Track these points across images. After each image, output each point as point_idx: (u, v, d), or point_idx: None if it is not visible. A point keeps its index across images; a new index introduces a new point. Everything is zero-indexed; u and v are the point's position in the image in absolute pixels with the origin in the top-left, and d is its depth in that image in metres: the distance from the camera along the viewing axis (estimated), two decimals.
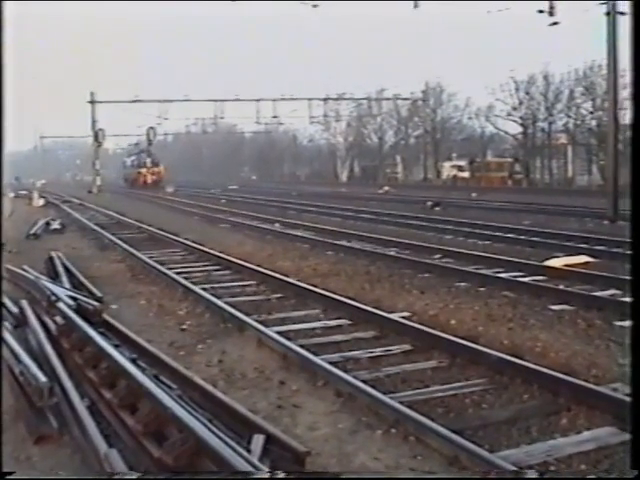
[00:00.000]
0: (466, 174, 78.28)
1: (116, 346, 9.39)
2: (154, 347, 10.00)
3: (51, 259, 18.41)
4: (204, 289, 15.13)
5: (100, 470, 6.01)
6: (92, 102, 78.91)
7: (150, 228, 29.10)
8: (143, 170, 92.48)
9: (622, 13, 29.93)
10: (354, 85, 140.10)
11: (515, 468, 6.25)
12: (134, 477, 5.70)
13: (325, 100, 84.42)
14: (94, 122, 79.36)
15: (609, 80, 32.08)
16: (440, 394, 8.50)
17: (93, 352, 8.99)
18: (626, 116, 60.58)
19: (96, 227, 30.47)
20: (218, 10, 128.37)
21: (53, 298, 11.86)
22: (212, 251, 21.05)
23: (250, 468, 5.29)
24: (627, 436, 7.05)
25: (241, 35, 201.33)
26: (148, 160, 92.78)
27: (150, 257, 20.27)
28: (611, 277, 15.31)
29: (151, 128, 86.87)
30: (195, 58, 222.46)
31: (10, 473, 5.91)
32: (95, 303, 12.03)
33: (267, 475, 5.19)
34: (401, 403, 7.86)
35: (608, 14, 30.04)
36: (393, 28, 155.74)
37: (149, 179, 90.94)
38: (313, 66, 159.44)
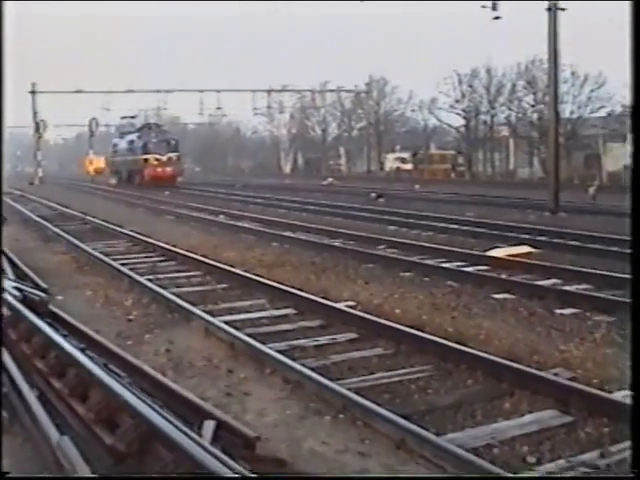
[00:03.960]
0: (409, 166, 78.79)
1: (64, 336, 9.39)
2: (102, 337, 10.01)
3: None
4: (150, 280, 15.13)
5: (53, 458, 6.04)
6: (33, 92, 77.93)
7: (94, 220, 28.92)
8: (152, 158, 62.61)
9: (562, 9, 30.37)
10: (298, 77, 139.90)
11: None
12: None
13: (269, 92, 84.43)
14: (35, 113, 78.37)
15: (550, 74, 32.49)
16: (386, 380, 8.67)
17: (41, 342, 8.98)
18: (566, 110, 61.75)
19: (39, 219, 30.16)
20: (164, 4, 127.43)
21: None
22: (157, 242, 21.04)
23: (202, 452, 5.37)
24: (568, 418, 7.31)
25: (185, 27, 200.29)
26: (159, 141, 64.08)
27: (95, 249, 20.18)
28: (552, 267, 15.64)
29: (93, 119, 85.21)
30: (139, 49, 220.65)
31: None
32: (41, 294, 11.98)
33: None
34: (348, 389, 7.99)
35: (549, 10, 30.42)
36: (337, 20, 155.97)
37: (163, 172, 62.01)
38: (257, 58, 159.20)
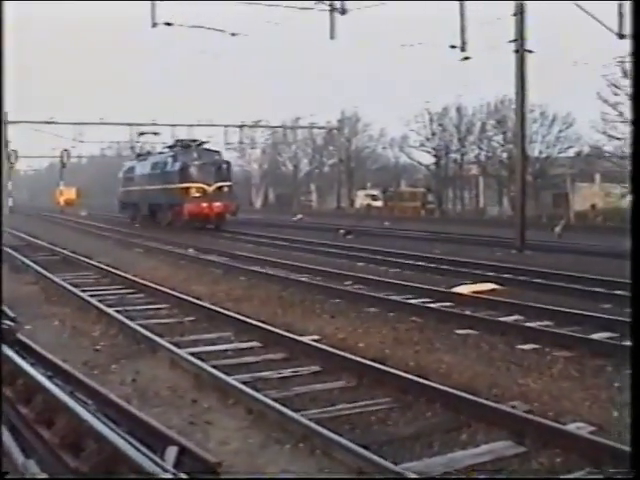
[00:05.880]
0: (379, 203, 79.19)
1: (31, 364, 9.51)
2: (68, 366, 10.14)
3: None
4: (118, 311, 15.25)
5: None
6: (4, 122, 77.57)
7: (64, 251, 28.96)
8: (194, 187, 45.09)
9: (530, 51, 30.85)
10: (270, 113, 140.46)
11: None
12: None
13: (241, 127, 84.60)
14: (6, 143, 77.93)
15: (517, 114, 32.94)
16: (347, 412, 8.86)
17: (8, 370, 9.10)
18: (535, 149, 62.51)
19: (7, 249, 30.10)
20: (134, 35, 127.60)
21: None
22: (126, 275, 21.15)
23: (165, 475, 5.54)
24: (522, 449, 7.52)
25: (157, 61, 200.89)
26: (205, 164, 46.22)
27: (64, 279, 20.27)
28: (515, 303, 15.88)
29: (65, 150, 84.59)
30: (112, 82, 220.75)
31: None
32: (9, 323, 12.07)
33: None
34: (309, 420, 8.18)
35: (517, 51, 30.87)
36: (310, 57, 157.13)
37: (209, 209, 44.53)
38: (229, 93, 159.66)
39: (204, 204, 44.32)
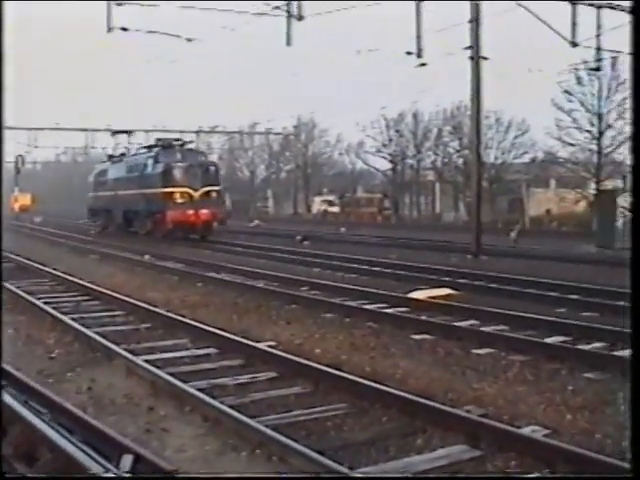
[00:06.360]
0: (336, 209, 79.26)
1: None
2: (22, 375, 10.06)
3: None
4: (73, 319, 15.14)
5: None
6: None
7: (17, 258, 28.58)
8: (178, 192, 40.24)
9: (485, 58, 31.05)
10: (227, 118, 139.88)
11: None
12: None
13: (197, 132, 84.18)
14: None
15: (472, 121, 33.13)
16: (303, 418, 8.86)
17: None
18: (491, 155, 62.92)
19: None
20: (89, 39, 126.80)
21: None
22: (81, 282, 20.98)
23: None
24: (478, 452, 7.57)
25: (113, 65, 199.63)
26: (190, 166, 41.32)
27: (18, 287, 20.04)
28: (470, 308, 15.97)
29: (20, 156, 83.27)
30: (67, 85, 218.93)
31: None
32: None
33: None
34: (266, 426, 8.17)
35: (472, 59, 31.03)
36: (266, 63, 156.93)
37: (196, 217, 39.83)
38: (185, 98, 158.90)
39: (190, 211, 39.70)
